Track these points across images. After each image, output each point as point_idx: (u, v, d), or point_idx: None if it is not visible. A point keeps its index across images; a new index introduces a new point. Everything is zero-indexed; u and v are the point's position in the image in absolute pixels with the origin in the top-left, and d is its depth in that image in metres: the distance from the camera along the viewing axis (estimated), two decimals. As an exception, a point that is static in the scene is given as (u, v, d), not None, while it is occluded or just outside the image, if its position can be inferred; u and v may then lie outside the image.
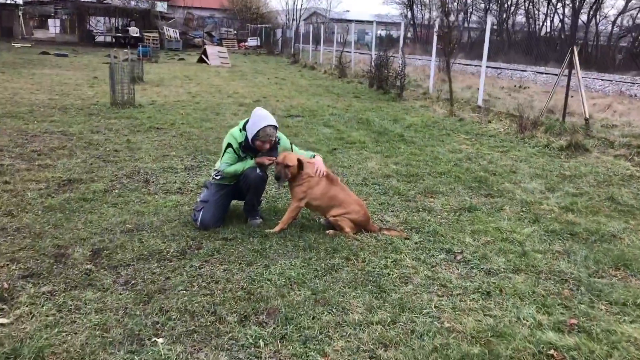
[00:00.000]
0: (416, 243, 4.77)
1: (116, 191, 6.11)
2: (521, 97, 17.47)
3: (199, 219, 4.92)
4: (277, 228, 4.89)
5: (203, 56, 29.66)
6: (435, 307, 3.63)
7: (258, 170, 5.00)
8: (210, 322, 3.41)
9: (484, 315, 3.55)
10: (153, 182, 6.56)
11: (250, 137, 4.90)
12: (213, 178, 5.11)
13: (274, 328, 3.35)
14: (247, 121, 5.00)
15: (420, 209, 5.74)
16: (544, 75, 24.46)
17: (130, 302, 3.62)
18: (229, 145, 5.01)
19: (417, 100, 15.64)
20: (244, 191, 5.08)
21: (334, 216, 4.90)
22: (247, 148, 4.99)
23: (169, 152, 8.09)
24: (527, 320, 3.48)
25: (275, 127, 4.93)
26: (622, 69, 31.45)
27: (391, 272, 4.12)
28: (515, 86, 19.88)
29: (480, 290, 3.89)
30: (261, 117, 4.88)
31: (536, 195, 6.41)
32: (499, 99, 15.84)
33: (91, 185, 6.26)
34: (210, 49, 29.85)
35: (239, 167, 5.00)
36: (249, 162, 5.02)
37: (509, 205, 5.96)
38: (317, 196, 4.90)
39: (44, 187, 6.08)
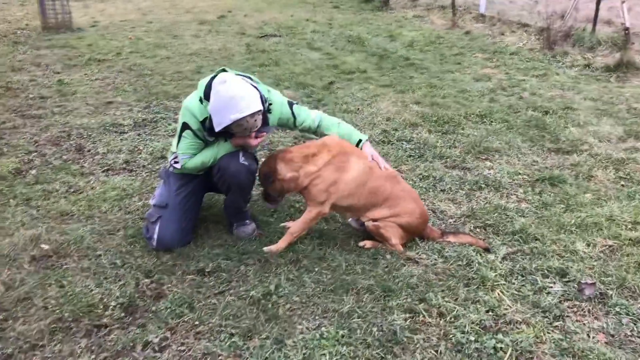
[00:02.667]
0: (505, 259, 3.01)
1: (33, 172, 4.17)
2: (520, 1, 15.49)
3: (155, 237, 3.03)
4: (282, 243, 3.07)
5: (154, -36, 26.38)
6: None
7: (241, 158, 3.03)
8: None
9: None
10: (89, 151, 4.61)
11: (216, 129, 2.85)
12: (171, 166, 3.15)
13: None
14: (209, 83, 2.90)
15: (482, 184, 3.94)
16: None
17: None
18: (185, 126, 2.97)
19: (406, 9, 13.45)
20: (222, 190, 3.18)
21: (373, 220, 3.09)
22: (215, 131, 2.90)
23: (113, 98, 6.05)
24: None
25: (259, 112, 2.82)
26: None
27: (498, 343, 2.37)
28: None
29: (667, 381, 2.19)
30: (226, 103, 2.73)
31: (619, 146, 4.68)
32: (494, 3, 13.70)
33: (-3, 162, 4.30)
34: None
35: (208, 156, 3.04)
36: (224, 147, 3.04)
37: (597, 168, 4.22)
38: (349, 192, 3.04)
39: None
